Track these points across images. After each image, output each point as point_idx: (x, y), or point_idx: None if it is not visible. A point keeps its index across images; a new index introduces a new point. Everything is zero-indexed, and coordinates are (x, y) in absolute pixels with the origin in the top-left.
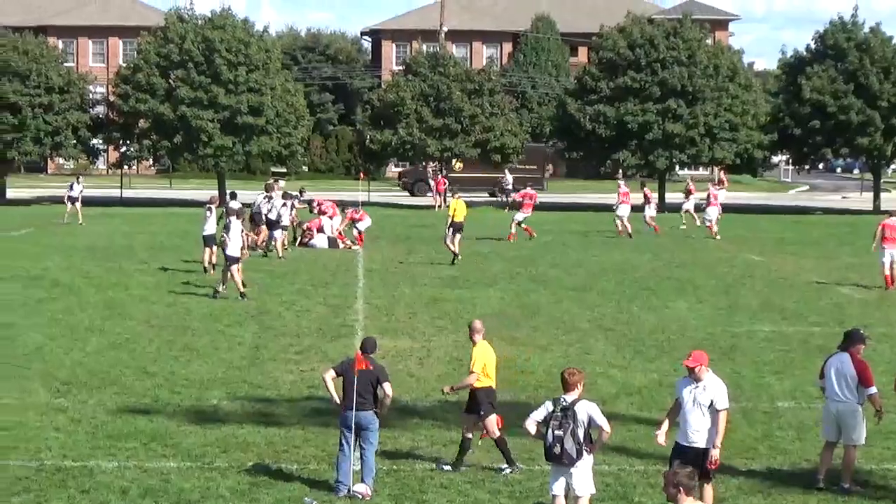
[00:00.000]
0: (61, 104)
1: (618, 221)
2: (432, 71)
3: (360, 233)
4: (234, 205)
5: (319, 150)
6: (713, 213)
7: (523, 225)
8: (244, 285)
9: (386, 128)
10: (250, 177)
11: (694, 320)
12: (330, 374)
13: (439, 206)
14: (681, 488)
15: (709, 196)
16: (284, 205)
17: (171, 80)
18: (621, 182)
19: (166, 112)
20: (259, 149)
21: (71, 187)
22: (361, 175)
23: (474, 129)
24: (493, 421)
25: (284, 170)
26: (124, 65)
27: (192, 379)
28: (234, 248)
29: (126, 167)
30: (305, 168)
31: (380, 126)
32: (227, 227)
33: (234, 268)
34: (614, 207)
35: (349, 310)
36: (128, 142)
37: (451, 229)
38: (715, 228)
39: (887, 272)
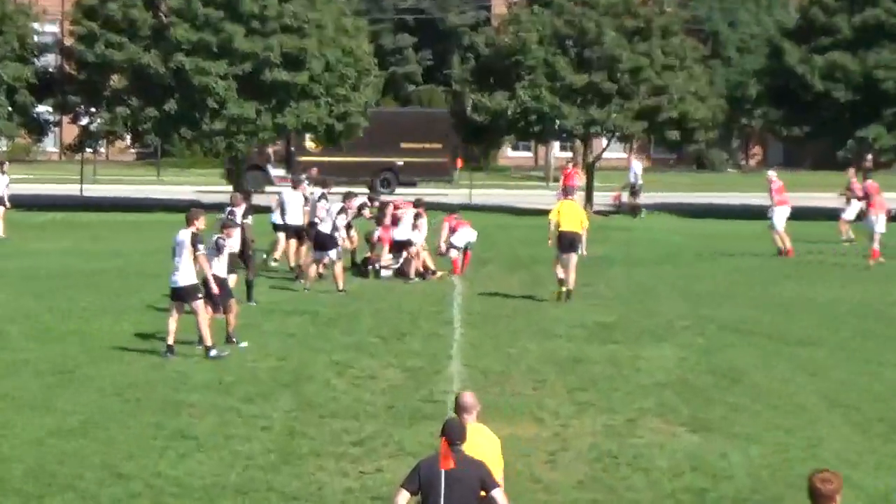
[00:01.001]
0: None
1: (774, 234)
2: None
3: (459, 251)
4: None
5: None
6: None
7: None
8: (215, 338)
9: (498, 88)
10: (284, 165)
11: None
12: (403, 497)
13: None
14: None
15: (868, 194)
16: (343, 210)
17: (160, 14)
18: (772, 174)
19: (153, 63)
20: (298, 121)
21: None
22: (459, 162)
23: (637, 90)
24: None
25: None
26: None
27: (189, 485)
28: (184, 276)
29: (90, 150)
30: None
31: (489, 86)
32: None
33: (198, 305)
34: (769, 214)
35: (438, 376)
36: (92, 110)
37: (559, 246)
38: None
39: None
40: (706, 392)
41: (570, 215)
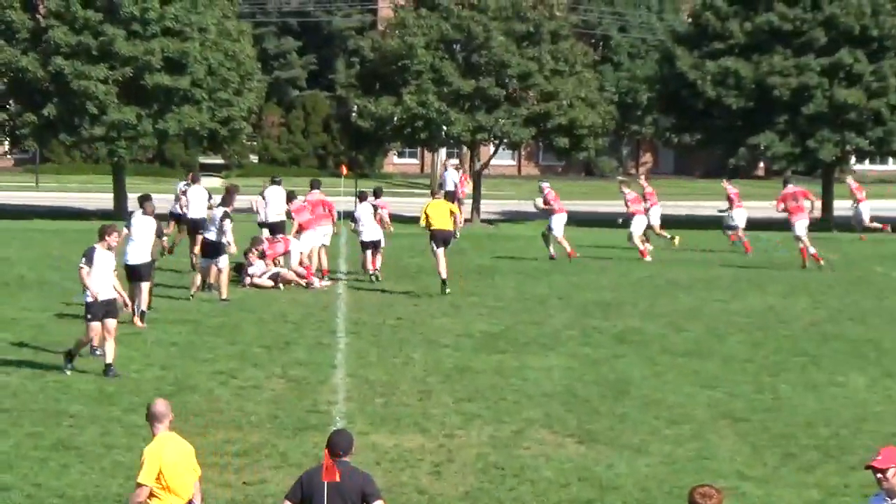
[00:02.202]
0: None
1: (557, 240)
2: (459, 2)
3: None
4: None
5: (277, 128)
6: (740, 217)
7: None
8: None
9: (384, 94)
10: (165, 171)
11: (880, 405)
12: None
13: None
14: None
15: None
16: (227, 216)
17: (39, 16)
18: (545, 185)
19: (31, 67)
20: (180, 127)
21: None
22: (343, 169)
23: (527, 96)
24: None
25: (221, 160)
26: None
27: (71, 496)
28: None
29: None
30: (254, 157)
31: (374, 91)
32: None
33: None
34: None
35: (322, 386)
36: None
37: (433, 243)
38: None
39: None
40: (593, 403)
41: (440, 214)
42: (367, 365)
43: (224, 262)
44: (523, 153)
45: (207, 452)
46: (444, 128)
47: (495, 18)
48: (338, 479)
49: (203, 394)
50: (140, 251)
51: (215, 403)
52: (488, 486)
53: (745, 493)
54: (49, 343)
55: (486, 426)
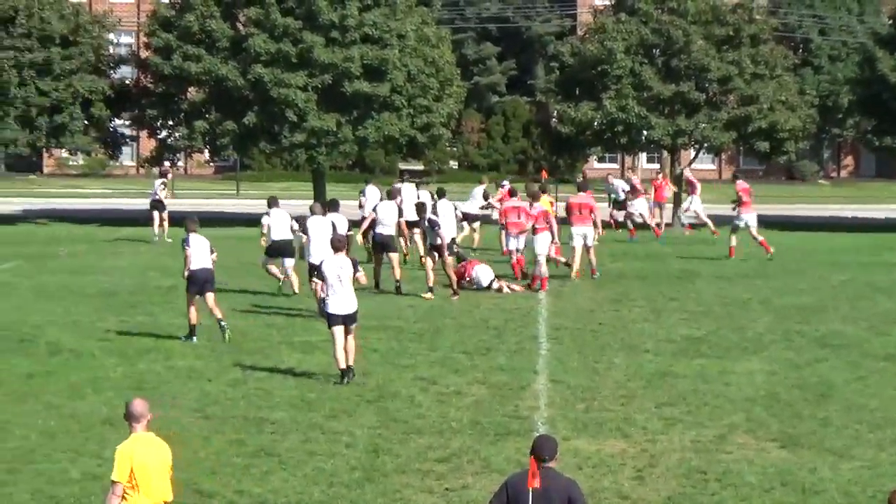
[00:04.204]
0: (65, 63)
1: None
2: (659, 6)
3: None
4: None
5: (477, 134)
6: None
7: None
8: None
9: (584, 99)
10: (365, 177)
11: None
12: None
13: (659, 224)
14: None
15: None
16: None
17: (239, 25)
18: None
19: (231, 76)
20: (380, 133)
21: (163, 185)
22: (543, 174)
23: (727, 100)
24: None
25: (421, 166)
26: (165, 0)
27: (272, 502)
28: (353, 302)
29: (168, 164)
30: (454, 163)
31: (574, 96)
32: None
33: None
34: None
35: (524, 392)
36: (170, 123)
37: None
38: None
39: None
40: (795, 407)
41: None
42: (568, 370)
43: (291, 262)
44: (724, 157)
45: (410, 458)
46: (644, 132)
47: (695, 22)
48: (536, 485)
49: (404, 400)
50: (321, 250)
51: (416, 409)
52: (691, 490)
53: None
54: (251, 350)
55: (688, 431)
